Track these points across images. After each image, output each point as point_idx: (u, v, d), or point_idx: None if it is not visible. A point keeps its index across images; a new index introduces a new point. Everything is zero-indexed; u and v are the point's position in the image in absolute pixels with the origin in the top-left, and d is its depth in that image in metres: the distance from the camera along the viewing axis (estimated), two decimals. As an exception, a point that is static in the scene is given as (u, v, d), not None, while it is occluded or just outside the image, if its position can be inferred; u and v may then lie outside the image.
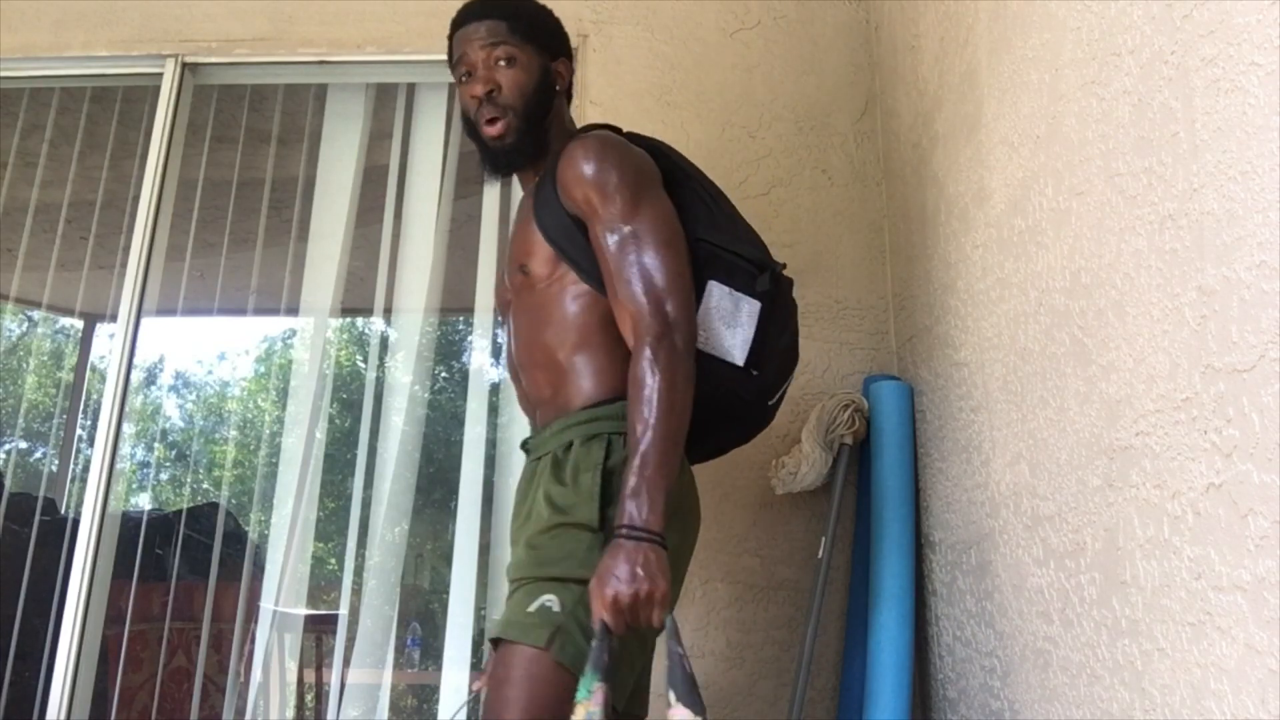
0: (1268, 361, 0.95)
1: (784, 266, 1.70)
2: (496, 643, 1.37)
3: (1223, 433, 1.02)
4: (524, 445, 1.63)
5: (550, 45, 1.66)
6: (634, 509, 1.30)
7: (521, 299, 1.59)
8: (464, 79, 1.63)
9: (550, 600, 1.33)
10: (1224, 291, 1.02)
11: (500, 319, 1.75)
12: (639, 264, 1.47)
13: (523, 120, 1.59)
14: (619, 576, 1.26)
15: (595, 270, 1.51)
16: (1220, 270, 1.03)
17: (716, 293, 1.58)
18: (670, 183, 1.59)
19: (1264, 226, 0.95)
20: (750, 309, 1.64)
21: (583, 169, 1.52)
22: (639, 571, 1.26)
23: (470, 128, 1.64)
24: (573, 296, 1.53)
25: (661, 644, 1.36)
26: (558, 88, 1.67)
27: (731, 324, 1.61)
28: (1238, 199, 1.00)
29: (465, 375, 3.40)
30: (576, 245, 1.53)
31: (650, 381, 1.38)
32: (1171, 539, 1.13)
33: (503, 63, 1.60)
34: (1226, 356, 1.02)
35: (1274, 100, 0.94)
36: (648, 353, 1.40)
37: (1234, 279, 1.00)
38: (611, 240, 1.48)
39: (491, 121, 1.58)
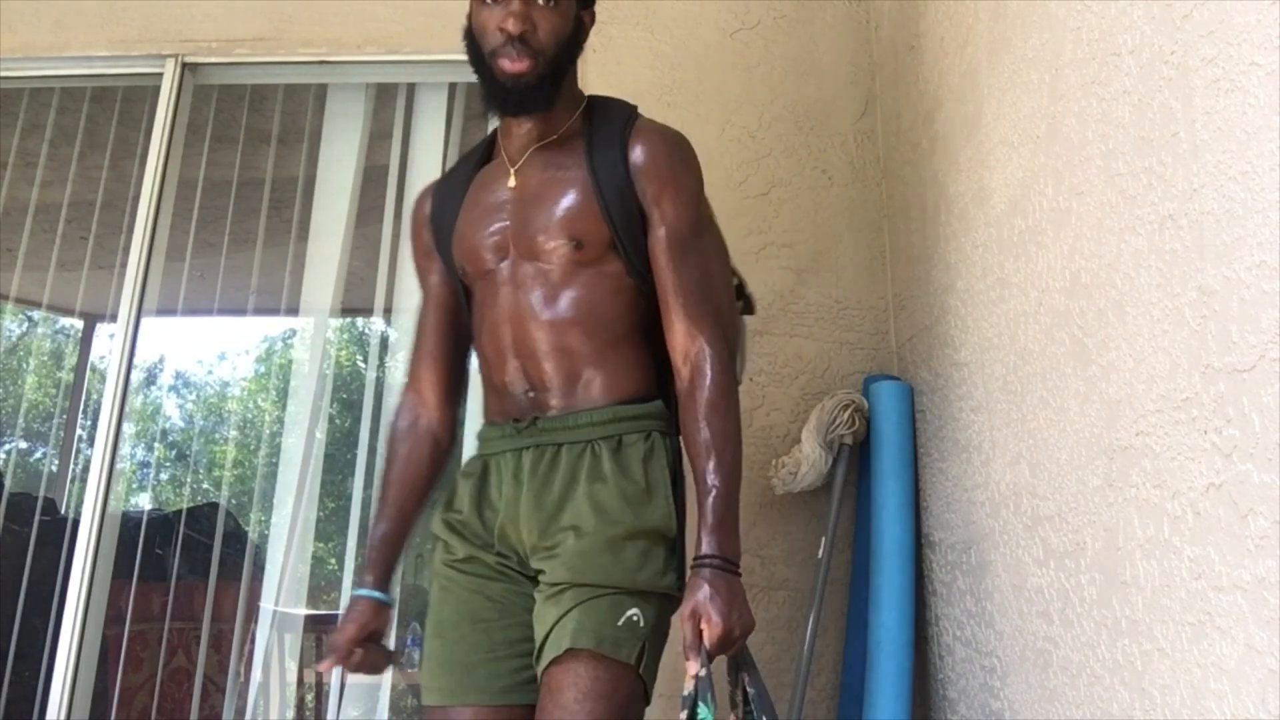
0: (1268, 361, 0.95)
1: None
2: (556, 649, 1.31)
3: (1223, 433, 1.02)
4: (519, 425, 1.46)
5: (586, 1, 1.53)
6: (725, 541, 1.31)
7: (551, 273, 1.45)
8: (490, 0, 1.44)
9: (636, 614, 1.31)
10: (1224, 291, 1.02)
11: (478, 277, 1.52)
12: (706, 284, 1.44)
13: (549, 69, 1.44)
14: (727, 611, 1.27)
15: (643, 267, 1.45)
16: (1220, 270, 1.03)
17: None
18: None
19: (1264, 226, 0.95)
20: (743, 325, 1.67)
21: (669, 166, 1.46)
22: (742, 606, 1.29)
23: (478, 58, 1.46)
24: (619, 287, 1.45)
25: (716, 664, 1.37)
26: (581, 41, 1.52)
27: (738, 341, 1.62)
28: (1238, 199, 1.00)
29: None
30: (633, 238, 1.44)
31: (727, 411, 1.37)
32: (1171, 539, 1.13)
33: (544, 3, 1.43)
34: (1226, 356, 1.02)
35: (1274, 100, 0.94)
36: (720, 380, 1.38)
37: (1234, 279, 1.00)
38: (681, 251, 1.43)
39: (515, 59, 1.41)
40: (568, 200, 1.45)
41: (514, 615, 1.41)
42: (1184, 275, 1.10)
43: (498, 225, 1.49)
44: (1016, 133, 1.58)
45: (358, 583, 1.51)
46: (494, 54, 1.42)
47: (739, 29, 2.60)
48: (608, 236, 1.43)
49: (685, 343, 1.41)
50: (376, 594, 1.50)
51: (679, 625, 1.32)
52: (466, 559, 1.45)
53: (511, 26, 1.40)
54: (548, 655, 1.31)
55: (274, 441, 2.85)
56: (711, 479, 1.33)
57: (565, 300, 1.44)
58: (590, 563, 1.33)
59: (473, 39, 1.47)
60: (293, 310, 2.70)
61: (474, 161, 1.59)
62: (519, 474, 1.43)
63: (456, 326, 1.60)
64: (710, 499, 1.33)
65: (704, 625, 1.27)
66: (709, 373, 1.38)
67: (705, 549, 1.31)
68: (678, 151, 1.48)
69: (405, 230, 2.72)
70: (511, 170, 1.51)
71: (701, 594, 1.28)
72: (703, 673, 1.27)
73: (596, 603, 1.31)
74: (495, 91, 1.45)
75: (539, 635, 1.34)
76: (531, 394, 1.45)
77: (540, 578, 1.39)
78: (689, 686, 1.27)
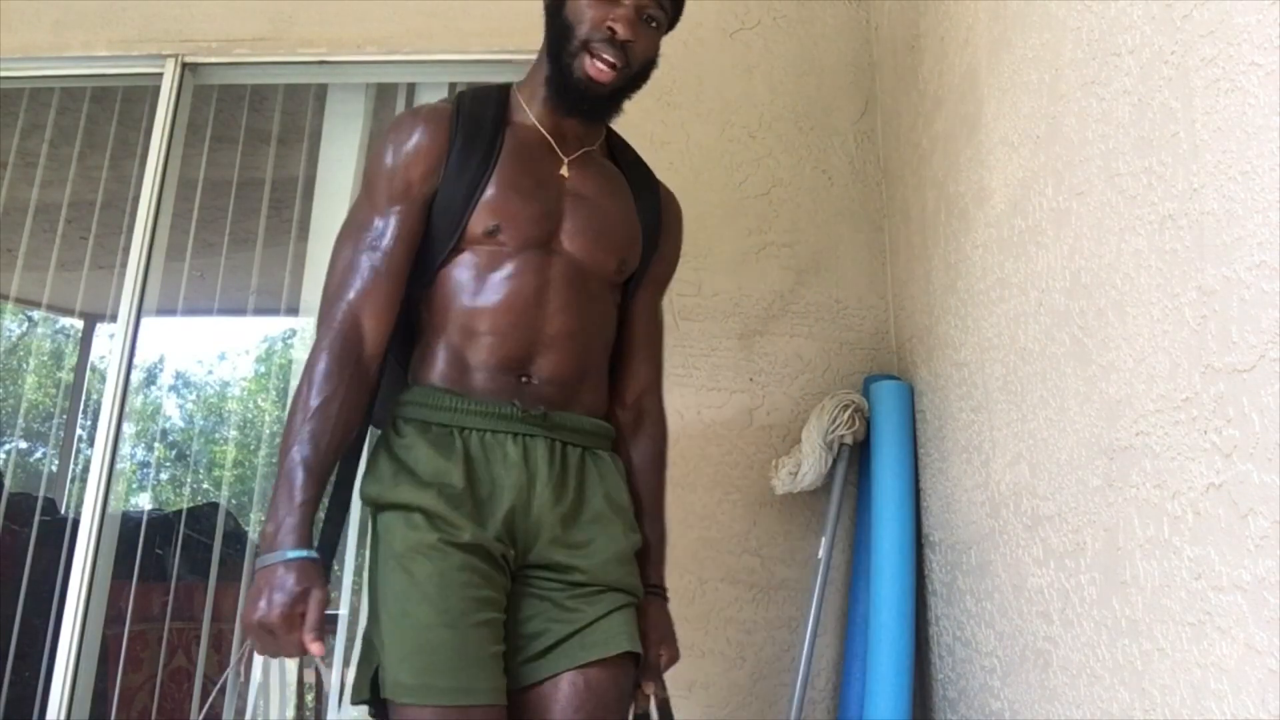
0: (1268, 361, 0.95)
1: None
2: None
3: (1223, 433, 1.02)
4: (525, 410, 1.36)
5: (670, 29, 1.51)
6: (663, 575, 1.50)
7: (590, 281, 1.43)
8: None
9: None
10: (1224, 291, 1.02)
11: (496, 245, 1.39)
12: (662, 343, 1.60)
13: (628, 85, 1.42)
14: (674, 638, 1.48)
15: (621, 309, 1.52)
16: (1220, 270, 1.03)
17: None
18: None
19: (1264, 226, 0.95)
20: None
21: (681, 231, 1.61)
22: None
23: (563, 47, 1.38)
24: (614, 322, 1.51)
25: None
26: (650, 73, 1.48)
27: None
28: (1238, 199, 1.00)
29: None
30: (634, 280, 1.53)
31: (666, 465, 1.55)
32: (1171, 539, 1.13)
33: (646, 20, 1.41)
34: (1226, 356, 1.02)
35: (1274, 100, 0.94)
36: (667, 436, 1.56)
37: (1234, 279, 1.00)
38: (656, 306, 1.58)
39: (607, 63, 1.36)
40: (624, 221, 1.50)
41: (501, 609, 1.31)
42: (1184, 275, 1.10)
43: (550, 209, 1.42)
44: (1016, 133, 1.58)
45: (292, 542, 1.20)
46: (586, 45, 1.37)
47: (739, 29, 2.60)
48: (633, 272, 1.52)
49: (644, 386, 1.54)
50: (317, 554, 1.24)
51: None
52: (472, 544, 1.28)
53: (621, 31, 1.36)
54: (585, 653, 1.31)
55: (274, 441, 2.84)
56: (659, 523, 1.50)
57: (594, 310, 1.46)
58: (625, 570, 1.40)
59: (560, 18, 1.40)
60: (293, 310, 2.70)
61: (492, 119, 1.44)
62: (530, 462, 1.34)
63: (409, 272, 1.40)
64: (657, 539, 1.49)
65: (663, 649, 1.44)
66: (663, 426, 1.56)
67: (656, 580, 1.48)
68: (682, 222, 1.62)
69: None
70: (565, 160, 1.46)
71: (665, 623, 1.46)
72: (665, 694, 1.42)
73: (630, 610, 1.39)
74: (567, 86, 1.39)
75: (559, 631, 1.31)
76: (526, 380, 1.37)
77: (562, 575, 1.35)
78: (647, 706, 1.40)
